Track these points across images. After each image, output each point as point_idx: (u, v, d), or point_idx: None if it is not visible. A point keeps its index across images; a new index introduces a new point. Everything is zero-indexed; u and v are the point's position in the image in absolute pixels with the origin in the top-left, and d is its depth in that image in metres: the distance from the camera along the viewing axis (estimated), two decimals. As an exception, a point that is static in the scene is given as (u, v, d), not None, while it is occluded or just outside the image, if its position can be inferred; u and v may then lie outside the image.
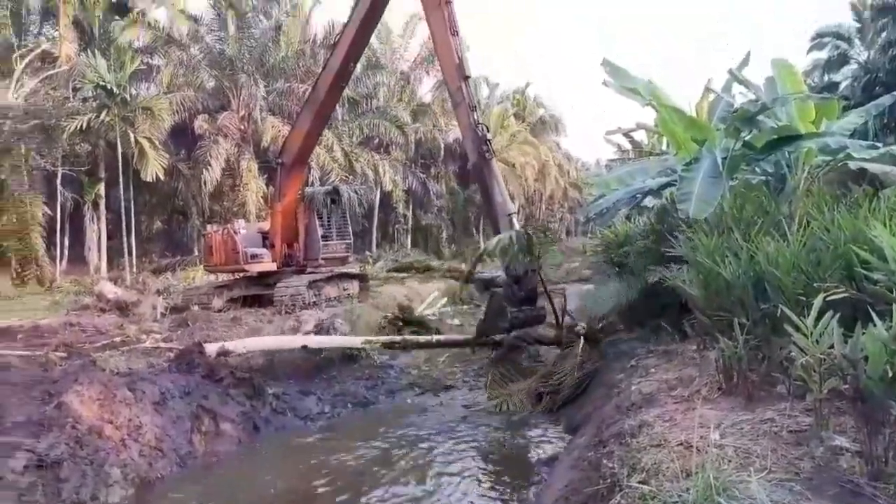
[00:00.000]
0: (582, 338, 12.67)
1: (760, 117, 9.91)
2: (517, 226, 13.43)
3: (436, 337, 15.41)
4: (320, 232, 21.19)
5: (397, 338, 14.72)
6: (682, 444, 5.42)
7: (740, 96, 12.52)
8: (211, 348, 12.43)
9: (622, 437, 6.25)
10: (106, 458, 8.21)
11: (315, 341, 14.24)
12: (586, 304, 15.27)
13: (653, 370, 8.66)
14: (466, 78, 13.97)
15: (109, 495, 7.96)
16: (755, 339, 6.60)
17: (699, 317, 8.05)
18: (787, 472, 4.42)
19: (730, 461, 4.68)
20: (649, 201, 14.09)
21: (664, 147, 20.89)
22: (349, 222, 22.68)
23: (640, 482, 4.72)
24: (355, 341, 14.42)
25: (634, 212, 14.52)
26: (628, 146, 28.17)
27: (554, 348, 13.09)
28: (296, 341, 14.17)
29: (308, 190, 22.13)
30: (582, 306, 15.66)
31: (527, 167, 47.88)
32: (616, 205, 12.60)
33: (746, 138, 10.11)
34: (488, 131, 13.99)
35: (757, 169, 10.85)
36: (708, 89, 18.21)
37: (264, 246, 21.38)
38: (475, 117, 13.78)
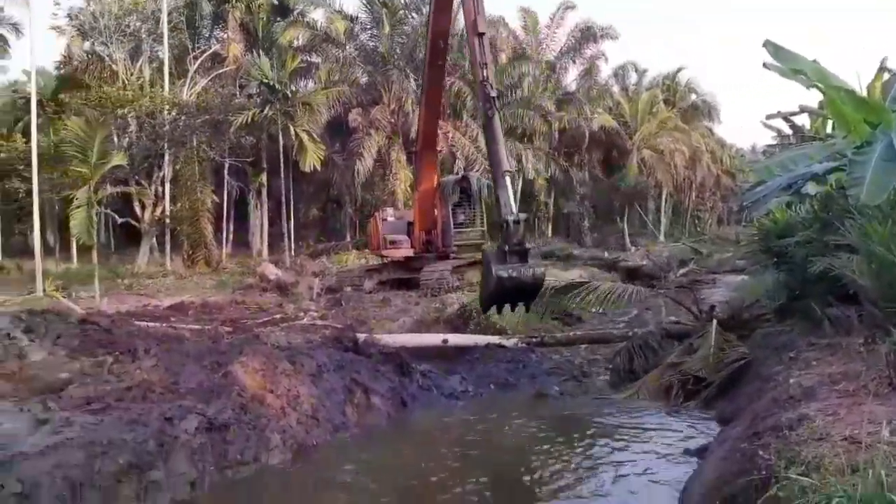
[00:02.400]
0: (715, 322, 12.10)
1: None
2: (509, 183, 12.24)
3: (576, 333, 15.29)
4: (452, 220, 21.53)
5: (534, 337, 14.58)
6: (846, 439, 5.10)
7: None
8: (358, 337, 12.96)
9: (779, 429, 5.94)
10: (267, 424, 8.76)
11: (455, 339, 14.50)
12: (739, 295, 14.53)
13: (814, 363, 8.14)
14: (480, 35, 13.24)
15: (270, 458, 8.52)
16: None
17: (869, 308, 7.48)
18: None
19: (902, 459, 4.34)
20: (811, 188, 13.18)
21: (829, 131, 19.41)
22: (483, 211, 22.70)
23: (799, 475, 4.46)
24: (491, 339, 14.44)
25: (795, 199, 13.60)
26: (788, 131, 26.38)
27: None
28: (436, 339, 14.51)
29: (443, 180, 22.57)
30: (734, 297, 14.92)
31: (676, 154, 46.03)
32: (775, 192, 11.88)
33: (927, 118, 9.22)
34: (493, 89, 13.01)
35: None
36: (882, 68, 16.79)
37: (409, 233, 22.06)
38: (484, 74, 13.09)
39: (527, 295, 12.13)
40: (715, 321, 12.29)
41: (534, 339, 14.40)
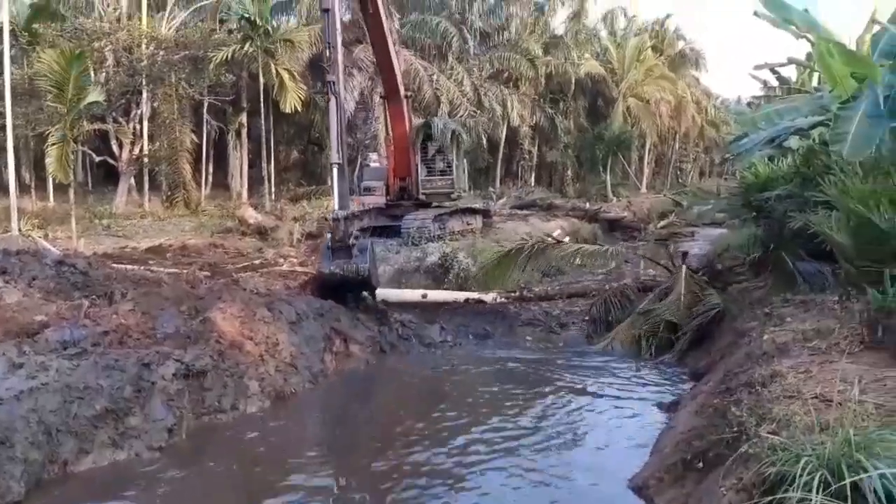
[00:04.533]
0: (684, 267, 12.23)
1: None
2: (336, 176, 12.08)
3: (554, 287, 15.39)
4: (424, 167, 21.29)
5: (513, 292, 14.64)
6: (817, 397, 5.18)
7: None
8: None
9: (752, 385, 6.04)
10: (245, 372, 8.78)
11: (434, 295, 14.62)
12: (716, 249, 14.66)
13: (788, 319, 8.23)
14: (325, 11, 12.42)
15: (248, 406, 8.56)
16: (908, 293, 6.11)
17: (845, 266, 7.54)
18: (935, 433, 4.11)
19: (871, 418, 4.42)
20: (795, 142, 13.17)
21: (816, 84, 19.30)
22: (452, 157, 22.27)
23: (769, 433, 4.54)
24: (470, 295, 14.51)
25: (777, 153, 13.58)
26: (775, 83, 26.17)
27: None
28: (416, 294, 14.62)
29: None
30: (712, 251, 15.05)
31: (661, 103, 45.73)
32: (759, 145, 11.85)
33: (915, 74, 9.15)
34: (332, 73, 12.07)
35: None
36: (873, 21, 16.58)
37: None
38: (327, 54, 12.41)
39: (353, 288, 12.21)
40: (685, 266, 12.42)
41: (512, 294, 14.49)
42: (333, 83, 12.05)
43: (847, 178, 8.11)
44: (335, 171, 12.01)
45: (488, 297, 14.29)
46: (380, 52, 19.43)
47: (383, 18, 17.99)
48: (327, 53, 12.33)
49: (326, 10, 12.37)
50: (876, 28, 14.52)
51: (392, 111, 20.93)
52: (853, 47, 12.64)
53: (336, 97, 12.07)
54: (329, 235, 12.10)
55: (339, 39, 12.77)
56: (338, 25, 12.61)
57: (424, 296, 14.46)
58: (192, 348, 8.53)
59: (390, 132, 21.83)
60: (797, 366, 6.22)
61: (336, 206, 11.92)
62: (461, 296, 14.55)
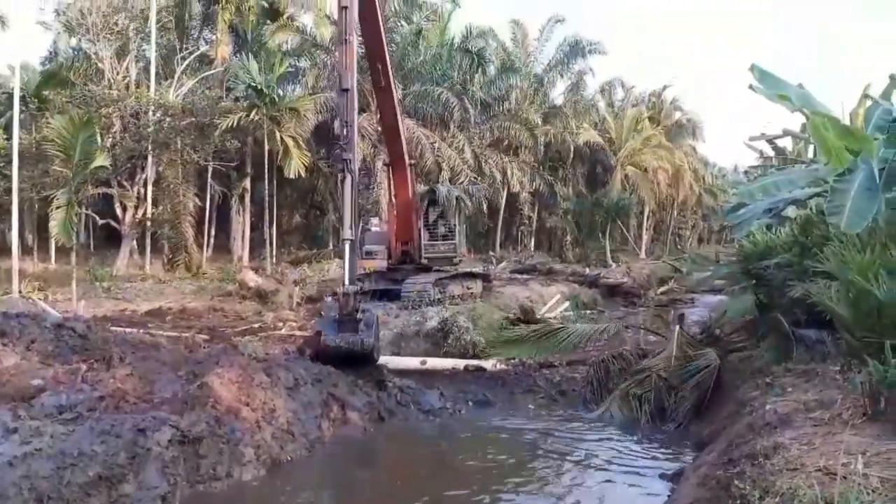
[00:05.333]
0: (678, 327, 12.21)
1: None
2: (347, 251, 12.30)
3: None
4: (427, 232, 21.59)
5: (513, 358, 14.63)
6: (821, 470, 5.11)
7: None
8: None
9: (755, 457, 5.96)
10: (241, 438, 8.62)
11: (433, 362, 14.70)
12: (716, 316, 14.63)
13: (790, 389, 8.18)
14: (344, 91, 12.65)
15: (243, 474, 8.38)
16: (909, 365, 6.09)
17: (846, 337, 7.53)
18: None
19: (876, 492, 4.35)
20: (792, 212, 13.32)
21: (811, 155, 19.63)
22: (455, 223, 22.63)
23: (773, 507, 4.47)
24: (470, 362, 14.56)
25: (775, 222, 13.74)
26: (771, 153, 26.64)
27: None
28: (414, 361, 14.75)
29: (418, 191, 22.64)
30: (711, 318, 15.01)
31: (659, 172, 46.42)
32: (757, 214, 12.00)
33: (907, 148, 9.34)
34: (348, 151, 12.32)
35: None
36: (865, 96, 17.01)
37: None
38: (344, 132, 12.59)
39: (356, 361, 12.23)
40: (678, 326, 12.41)
41: (513, 361, 14.46)
42: (350, 161, 12.24)
43: (846, 250, 8.17)
44: (346, 246, 12.16)
45: (488, 363, 14.23)
46: (388, 122, 19.84)
47: (394, 91, 18.49)
48: (344, 132, 12.49)
49: (346, 91, 12.59)
50: (868, 103, 14.91)
51: (396, 178, 21.24)
52: (847, 121, 12.94)
53: (351, 175, 12.27)
54: (329, 299, 12.12)
55: (357, 118, 13.03)
56: (355, 104, 12.86)
57: (423, 362, 14.42)
58: (188, 414, 8.41)
59: (393, 198, 22.13)
60: (800, 437, 6.15)
61: (346, 281, 12.09)
62: (461, 363, 14.49)
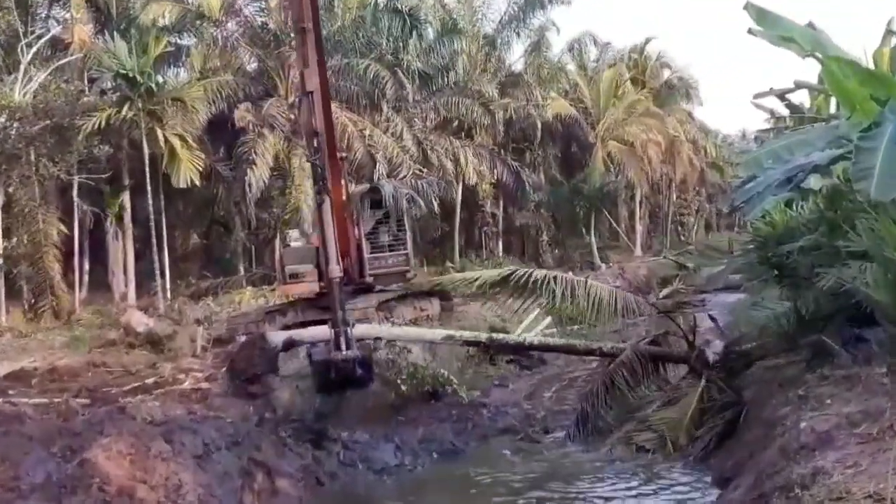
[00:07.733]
0: (704, 380, 12.51)
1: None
2: (337, 293, 12.99)
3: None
4: (369, 242, 21.37)
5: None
6: (871, 496, 5.24)
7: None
8: (276, 338, 12.78)
9: (790, 489, 6.08)
10: (139, 527, 8.53)
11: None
12: (736, 321, 14.90)
13: (828, 401, 8.34)
14: (308, 94, 13.07)
15: (146, 570, 8.28)
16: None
17: (889, 329, 7.71)
18: None
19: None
20: (814, 182, 13.61)
21: (833, 110, 20.16)
22: (404, 229, 22.54)
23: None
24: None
25: (796, 196, 14.04)
26: (784, 111, 27.22)
27: None
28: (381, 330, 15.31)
29: (351, 192, 22.37)
30: (731, 323, 15.28)
31: (650, 146, 46.97)
32: (771, 188, 12.24)
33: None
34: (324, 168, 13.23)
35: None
36: (890, 31, 17.50)
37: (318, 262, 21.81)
38: (315, 144, 13.13)
39: (353, 385, 13.00)
40: (704, 379, 12.56)
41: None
42: (325, 181, 12.17)
43: (880, 222, 8.37)
44: (335, 288, 12.47)
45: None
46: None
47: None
48: (315, 143, 12.59)
49: (309, 94, 12.63)
50: (894, 41, 15.36)
51: (331, 174, 21.00)
52: (870, 64, 13.30)
53: (329, 197, 12.15)
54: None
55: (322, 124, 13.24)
56: (331, 108, 12.88)
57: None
58: (68, 501, 8.26)
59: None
60: (844, 459, 6.28)
61: (332, 344, 12.62)
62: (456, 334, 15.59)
